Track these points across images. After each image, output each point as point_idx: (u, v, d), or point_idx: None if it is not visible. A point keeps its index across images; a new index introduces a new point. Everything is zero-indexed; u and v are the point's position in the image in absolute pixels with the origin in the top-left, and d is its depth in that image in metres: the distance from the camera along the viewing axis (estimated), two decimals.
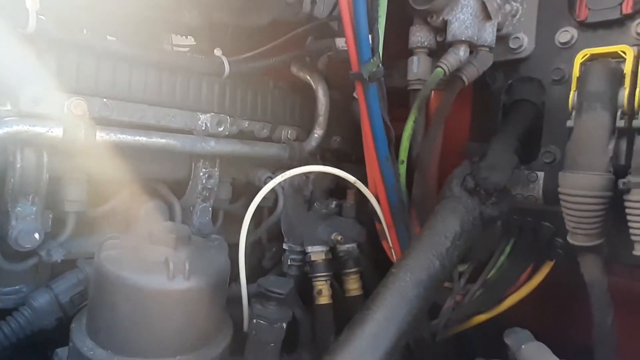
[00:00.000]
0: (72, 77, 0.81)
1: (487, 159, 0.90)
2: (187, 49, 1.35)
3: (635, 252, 0.75)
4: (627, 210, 0.76)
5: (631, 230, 0.76)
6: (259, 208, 1.22)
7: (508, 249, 1.10)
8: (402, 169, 1.03)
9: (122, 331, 0.71)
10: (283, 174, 1.01)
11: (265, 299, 1.00)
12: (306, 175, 1.22)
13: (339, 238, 1.09)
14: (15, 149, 0.76)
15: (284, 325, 0.95)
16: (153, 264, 0.73)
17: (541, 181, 1.01)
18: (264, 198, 1.19)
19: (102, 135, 0.83)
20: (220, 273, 0.80)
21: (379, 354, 0.64)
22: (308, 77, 1.23)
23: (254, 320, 0.95)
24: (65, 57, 0.81)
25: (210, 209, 1.07)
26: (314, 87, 1.23)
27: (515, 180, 1.01)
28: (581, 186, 0.80)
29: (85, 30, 0.89)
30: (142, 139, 0.89)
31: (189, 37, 1.38)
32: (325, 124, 1.24)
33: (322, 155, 1.34)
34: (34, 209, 0.80)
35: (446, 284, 1.15)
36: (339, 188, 1.29)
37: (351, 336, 0.66)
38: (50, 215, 0.85)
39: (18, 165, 0.76)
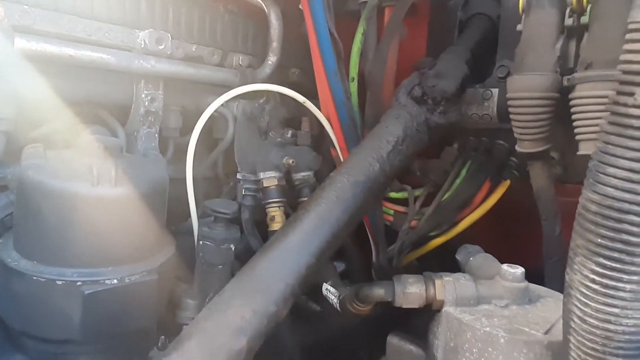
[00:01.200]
0: None
1: (436, 67, 0.86)
2: None
3: (579, 152, 0.74)
4: (571, 110, 0.74)
5: (576, 129, 0.74)
6: (214, 140, 1.19)
7: (464, 171, 1.09)
8: (353, 87, 0.99)
9: (47, 240, 0.68)
10: (227, 93, 0.97)
11: (213, 221, 0.97)
12: (261, 103, 1.18)
13: (290, 162, 1.06)
14: None
15: (232, 246, 0.93)
16: (78, 171, 0.69)
17: (495, 98, 0.98)
18: (218, 130, 1.16)
19: (21, 42, 0.77)
20: (153, 184, 0.76)
21: (311, 250, 0.62)
22: (260, 0, 1.16)
23: (200, 242, 0.93)
24: None
25: (156, 135, 1.03)
26: (266, 11, 1.17)
27: (470, 99, 0.98)
28: (527, 87, 0.77)
29: None
30: (70, 50, 0.84)
31: None
32: (279, 51, 1.19)
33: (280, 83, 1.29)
34: None
35: (402, 209, 1.14)
36: (295, 120, 1.25)
37: (283, 235, 0.64)
38: None
39: None
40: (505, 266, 0.76)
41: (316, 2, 0.86)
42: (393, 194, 1.13)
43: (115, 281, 0.70)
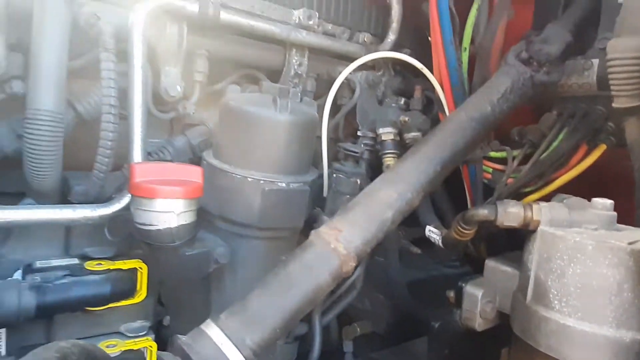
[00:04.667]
0: None
1: (542, 34, 1.02)
2: None
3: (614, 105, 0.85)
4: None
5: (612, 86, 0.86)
6: (337, 101, 1.43)
7: (561, 135, 1.22)
8: (465, 56, 1.18)
9: (241, 150, 0.96)
10: (356, 61, 1.21)
11: (344, 158, 1.22)
12: (380, 74, 1.41)
13: (406, 119, 1.27)
14: (165, 22, 1.02)
15: (358, 180, 1.16)
16: (265, 102, 0.97)
17: (596, 68, 1.11)
18: (341, 93, 1.40)
19: (224, 15, 1.07)
20: (311, 117, 1.02)
21: (437, 160, 0.82)
22: None
23: (334, 175, 1.17)
24: None
25: (299, 94, 1.29)
26: None
27: (572, 69, 1.12)
28: (624, 49, 0.91)
29: None
30: (252, 22, 1.12)
31: None
32: (398, 30, 1.40)
33: (393, 66, 1.51)
34: (176, 69, 1.07)
35: (501, 167, 1.29)
36: (408, 91, 1.46)
37: (418, 146, 0.85)
38: (183, 84, 1.12)
39: (167, 34, 1.02)
40: (596, 198, 0.91)
41: None
42: (493, 154, 1.28)
43: (283, 185, 0.96)
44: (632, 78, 0.92)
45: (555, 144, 1.21)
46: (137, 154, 0.94)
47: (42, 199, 0.92)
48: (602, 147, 1.17)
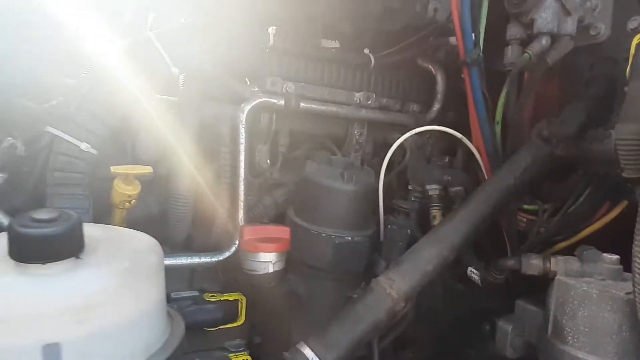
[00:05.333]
0: (288, 71, 1.39)
1: (560, 116, 1.25)
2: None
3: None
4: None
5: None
6: (391, 161, 1.71)
7: (586, 192, 1.41)
8: (498, 128, 1.42)
9: (317, 211, 1.26)
10: (409, 132, 1.49)
11: (397, 212, 1.49)
12: (427, 138, 1.68)
13: (449, 178, 1.52)
14: (260, 113, 1.37)
15: (409, 231, 1.43)
16: (335, 174, 1.27)
17: (613, 137, 1.31)
18: (394, 153, 1.68)
19: (303, 104, 1.40)
20: (370, 185, 1.31)
21: (469, 225, 1.08)
22: (430, 66, 1.67)
23: (389, 226, 1.45)
24: (285, 59, 1.39)
25: (360, 157, 1.60)
26: (434, 73, 1.67)
27: (592, 137, 1.33)
28: (626, 132, 1.12)
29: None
30: (323, 107, 1.45)
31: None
32: (442, 101, 1.67)
33: (441, 124, 1.76)
34: (266, 146, 1.40)
35: (533, 218, 1.50)
36: (451, 149, 1.71)
37: (453, 215, 1.11)
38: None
39: (263, 123, 1.37)
40: (605, 253, 1.11)
41: (473, 73, 1.33)
42: (526, 206, 1.50)
43: (349, 238, 1.26)
44: (635, 156, 1.12)
45: (580, 199, 1.41)
46: (241, 212, 1.27)
47: (174, 248, 1.28)
48: (624, 204, 1.36)
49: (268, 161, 1.40)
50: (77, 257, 0.57)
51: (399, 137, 1.62)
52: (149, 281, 0.62)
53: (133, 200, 1.07)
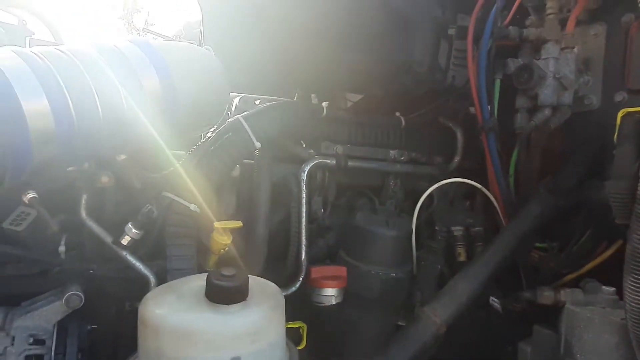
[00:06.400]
0: (337, 135, 1.70)
1: (563, 171, 1.55)
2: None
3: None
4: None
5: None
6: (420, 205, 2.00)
7: (587, 232, 1.69)
8: (511, 180, 1.71)
9: (366, 251, 1.54)
10: (436, 184, 1.79)
11: (428, 250, 1.77)
12: (449, 185, 1.97)
13: (471, 221, 1.81)
14: (316, 171, 1.67)
15: (439, 266, 1.71)
16: (380, 221, 1.56)
17: (607, 188, 1.60)
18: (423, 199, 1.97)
19: (350, 162, 1.70)
20: (408, 229, 1.60)
21: (492, 266, 1.35)
22: (450, 124, 1.98)
23: (421, 262, 1.73)
24: (334, 126, 1.70)
25: (394, 204, 1.89)
26: (454, 130, 1.98)
27: (590, 188, 1.61)
28: (618, 188, 1.40)
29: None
30: (364, 164, 1.75)
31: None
32: (461, 153, 1.97)
33: (461, 172, 2.06)
34: (319, 197, 1.70)
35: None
36: (469, 194, 2.00)
37: (479, 256, 1.39)
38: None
39: (318, 179, 1.67)
40: (604, 286, 1.38)
41: (491, 137, 1.64)
42: (538, 245, 1.78)
43: (393, 274, 1.53)
44: (625, 206, 1.41)
45: (583, 239, 1.69)
46: (304, 254, 1.55)
47: None
48: (619, 242, 1.63)
49: (322, 210, 1.70)
50: (245, 300, 0.85)
51: (426, 185, 1.91)
52: (281, 314, 0.90)
53: (227, 248, 1.36)
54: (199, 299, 0.84)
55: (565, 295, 1.39)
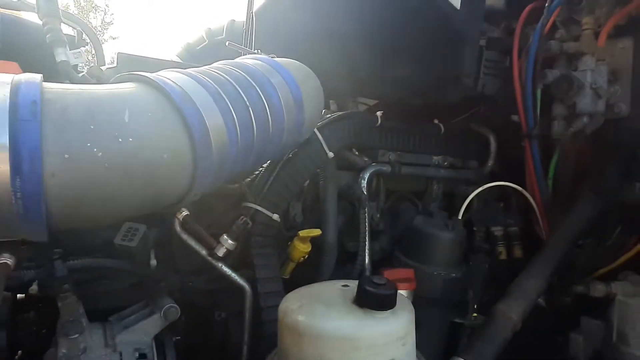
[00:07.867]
0: (390, 142, 1.78)
1: (604, 174, 1.69)
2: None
3: None
4: None
5: None
6: (456, 208, 2.10)
7: (618, 229, 1.84)
8: (550, 183, 1.84)
9: (423, 252, 1.62)
10: (479, 189, 1.89)
11: (476, 250, 1.87)
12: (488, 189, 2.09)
13: (511, 221, 1.93)
14: (372, 177, 1.74)
15: (486, 265, 1.81)
16: (438, 223, 1.65)
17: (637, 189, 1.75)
18: (455, 201, 2.07)
19: (402, 168, 1.78)
20: (463, 232, 1.70)
21: (553, 264, 1.47)
22: (483, 131, 2.10)
23: (470, 262, 1.82)
24: (387, 134, 1.78)
25: (437, 206, 1.98)
26: (487, 136, 2.09)
27: (628, 190, 1.76)
28: None
29: None
30: (412, 170, 1.83)
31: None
32: (495, 157, 2.09)
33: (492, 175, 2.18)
34: (375, 203, 1.77)
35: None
36: (503, 195, 2.12)
37: (538, 255, 1.50)
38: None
39: (373, 185, 1.73)
40: None
41: (534, 144, 1.76)
42: None
43: (454, 275, 1.62)
44: None
45: (614, 235, 1.84)
46: (367, 258, 1.62)
47: None
48: None
49: (378, 214, 1.76)
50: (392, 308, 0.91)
51: (465, 188, 2.02)
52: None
53: (306, 256, 1.41)
54: (348, 306, 0.89)
55: (615, 287, 1.52)
